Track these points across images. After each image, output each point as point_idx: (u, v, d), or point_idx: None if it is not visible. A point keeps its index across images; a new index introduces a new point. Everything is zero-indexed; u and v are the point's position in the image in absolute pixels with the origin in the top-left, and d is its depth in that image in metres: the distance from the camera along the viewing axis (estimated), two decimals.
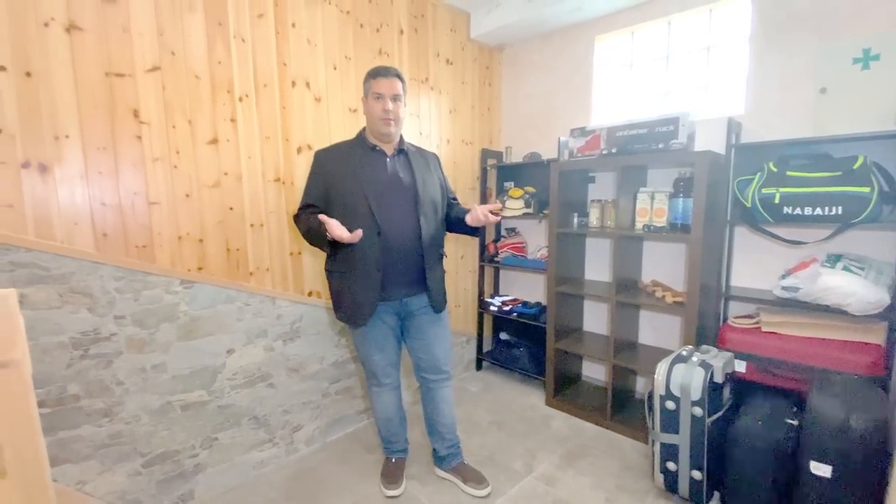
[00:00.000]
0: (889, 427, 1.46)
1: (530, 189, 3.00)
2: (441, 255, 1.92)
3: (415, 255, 1.80)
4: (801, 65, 2.08)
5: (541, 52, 3.08)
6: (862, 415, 1.46)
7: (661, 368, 1.86)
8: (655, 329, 2.66)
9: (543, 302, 3.03)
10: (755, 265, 2.26)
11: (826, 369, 1.77)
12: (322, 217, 1.61)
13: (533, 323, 2.90)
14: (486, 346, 3.40)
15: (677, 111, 2.16)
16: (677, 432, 1.81)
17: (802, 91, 2.08)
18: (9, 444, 0.67)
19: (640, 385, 2.75)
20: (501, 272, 3.44)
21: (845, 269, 1.80)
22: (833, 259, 1.90)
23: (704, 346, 1.96)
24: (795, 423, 1.69)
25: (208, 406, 1.94)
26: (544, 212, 2.84)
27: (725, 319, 2.26)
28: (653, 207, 2.33)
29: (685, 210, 2.22)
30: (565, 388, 2.84)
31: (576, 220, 2.67)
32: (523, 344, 3.15)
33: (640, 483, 2.01)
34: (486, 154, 3.18)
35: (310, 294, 2.28)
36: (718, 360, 1.81)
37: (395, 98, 1.72)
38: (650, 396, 1.90)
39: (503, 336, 3.34)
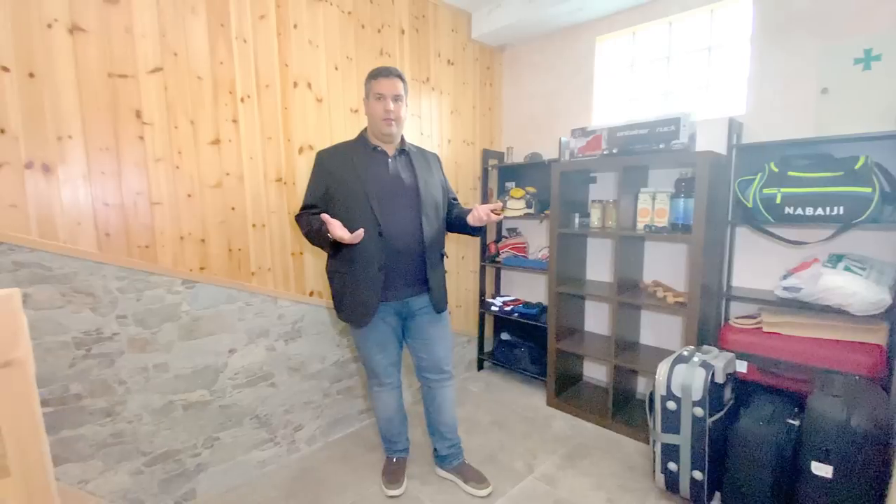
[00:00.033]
0: (890, 427, 1.46)
1: (531, 189, 3.00)
2: (442, 256, 1.92)
3: (416, 256, 1.80)
4: (802, 65, 2.08)
5: (542, 53, 3.08)
6: (863, 415, 1.45)
7: (663, 369, 1.86)
8: (656, 329, 2.66)
9: (544, 302, 3.03)
10: (756, 265, 2.26)
11: (827, 370, 1.76)
12: (324, 217, 1.62)
13: (534, 323, 2.90)
14: (488, 347, 3.40)
15: (678, 111, 2.16)
16: (678, 432, 1.80)
17: (804, 91, 2.08)
18: (12, 444, 0.67)
19: (642, 385, 2.75)
20: (503, 272, 3.44)
21: (847, 269, 1.80)
22: (834, 259, 1.90)
23: (706, 347, 1.96)
24: (796, 423, 1.68)
25: (210, 405, 1.94)
26: (545, 212, 2.84)
27: (727, 320, 2.26)
28: (654, 208, 2.32)
29: (686, 210, 2.21)
30: (566, 389, 2.84)
31: (577, 220, 2.67)
32: (524, 344, 3.14)
33: (641, 483, 2.01)
34: (487, 154, 3.19)
35: (311, 294, 2.28)
36: (719, 361, 1.81)
37: (397, 98, 1.73)
38: (651, 397, 1.90)
39: (504, 336, 3.34)
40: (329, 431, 2.40)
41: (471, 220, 1.78)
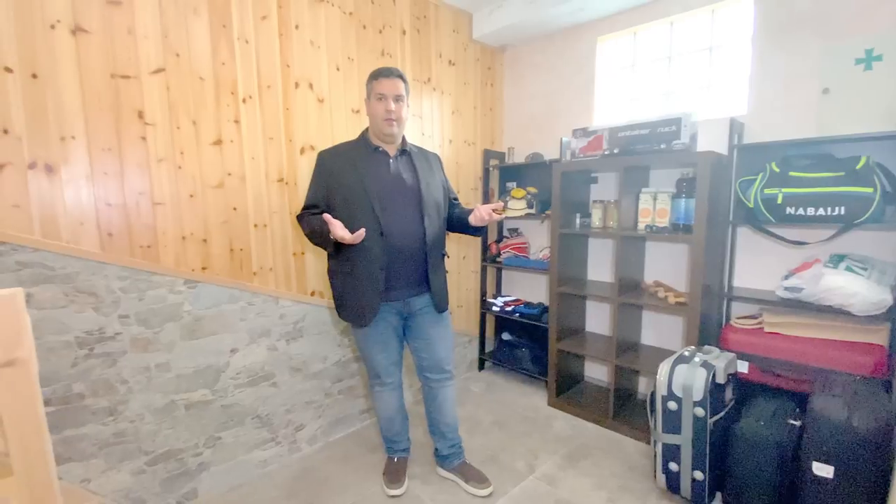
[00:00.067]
0: (892, 428, 1.46)
1: (532, 189, 3.00)
2: (443, 256, 1.92)
3: (418, 256, 1.80)
4: (803, 65, 2.08)
5: (543, 53, 3.09)
6: (864, 415, 1.45)
7: (664, 369, 1.86)
8: (658, 329, 2.66)
9: (546, 302, 3.03)
10: (758, 265, 2.26)
11: (828, 370, 1.76)
12: (326, 217, 1.62)
13: (535, 323, 2.90)
14: (489, 347, 3.40)
15: (679, 111, 2.16)
16: (679, 433, 1.80)
17: (805, 91, 2.08)
18: (15, 442, 0.68)
19: (643, 385, 2.75)
20: (504, 272, 3.45)
21: (848, 269, 1.80)
22: (836, 259, 1.89)
23: (707, 347, 1.96)
24: (798, 423, 1.68)
25: (212, 405, 1.95)
26: (546, 212, 2.84)
27: (728, 320, 2.26)
28: (655, 208, 2.33)
29: (687, 210, 2.21)
30: (567, 389, 2.84)
31: (578, 220, 2.67)
32: (525, 344, 3.14)
33: (642, 483, 2.01)
34: (488, 154, 3.19)
35: (312, 294, 2.29)
36: (721, 361, 1.81)
37: (398, 98, 1.73)
38: (652, 397, 1.90)
39: (505, 336, 3.34)
40: (330, 431, 2.41)
41: (472, 220, 1.78)
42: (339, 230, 1.59)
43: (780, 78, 2.14)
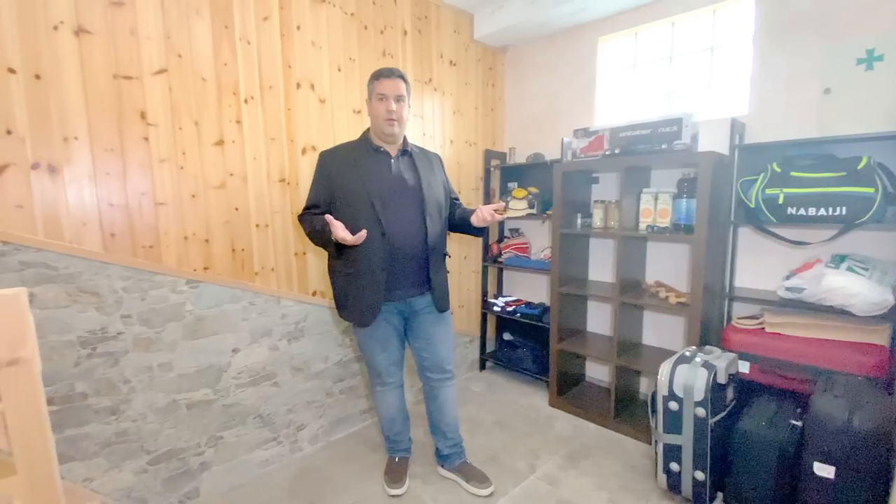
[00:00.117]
0: (893, 428, 1.45)
1: (534, 190, 3.00)
2: (445, 256, 1.93)
3: (419, 256, 1.81)
4: (804, 65, 2.08)
5: (544, 53, 3.09)
6: (866, 416, 1.45)
7: (665, 369, 1.86)
8: (659, 330, 2.66)
9: (547, 302, 3.03)
10: (759, 266, 2.26)
11: (830, 370, 1.76)
12: (327, 218, 1.63)
13: (536, 323, 2.90)
14: (490, 347, 3.40)
15: (681, 112, 2.16)
16: (680, 433, 1.80)
17: (806, 91, 2.08)
18: (18, 441, 0.68)
19: (644, 386, 2.75)
20: (505, 273, 3.45)
21: (849, 269, 1.79)
22: (837, 259, 1.89)
23: (708, 347, 1.96)
24: (799, 424, 1.68)
25: (214, 405, 1.96)
26: (548, 212, 2.84)
27: (729, 320, 2.26)
28: (656, 208, 2.33)
29: (689, 211, 2.21)
30: (568, 389, 2.84)
31: (579, 220, 2.67)
32: (527, 344, 3.15)
33: (643, 483, 2.01)
34: (489, 155, 3.19)
35: (314, 294, 2.29)
36: (722, 361, 1.81)
37: (399, 99, 1.74)
38: (653, 397, 1.90)
39: (506, 336, 3.35)
40: (331, 431, 2.41)
41: (474, 220, 1.79)
42: (340, 231, 1.60)
43: (782, 78, 2.14)
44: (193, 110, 1.82)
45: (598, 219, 2.64)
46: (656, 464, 1.90)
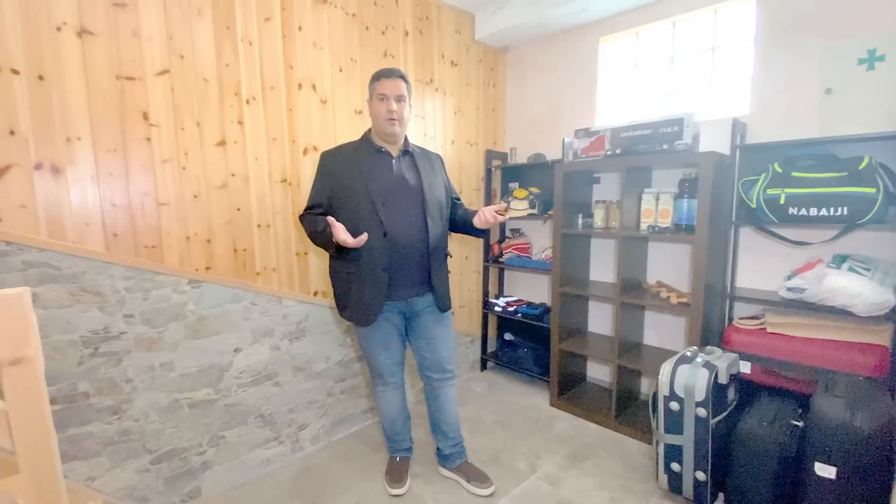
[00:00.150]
0: (894, 428, 1.45)
1: (535, 190, 3.00)
2: (446, 255, 1.93)
3: (421, 256, 1.81)
4: (806, 65, 2.07)
5: (545, 54, 3.09)
6: (867, 416, 1.45)
7: (666, 369, 1.86)
8: (660, 330, 2.66)
9: (548, 303, 3.03)
10: (760, 266, 2.26)
11: (831, 370, 1.76)
12: (329, 220, 1.63)
13: (537, 324, 2.90)
14: (491, 347, 3.40)
15: (682, 112, 2.16)
16: (681, 433, 1.80)
17: (807, 92, 2.08)
18: (21, 441, 0.68)
19: (645, 386, 2.74)
20: (506, 273, 3.45)
21: (851, 269, 1.79)
22: (839, 260, 1.89)
23: (709, 347, 1.96)
24: (800, 424, 1.68)
25: (215, 404, 1.96)
26: (549, 212, 2.85)
27: (730, 320, 2.25)
28: (657, 208, 2.33)
29: (690, 211, 2.21)
30: (570, 389, 2.84)
31: (580, 220, 2.67)
32: (528, 345, 3.15)
33: (644, 484, 2.01)
34: (490, 155, 3.19)
35: (315, 294, 2.30)
36: (723, 361, 1.81)
37: (399, 98, 1.74)
38: (654, 397, 1.90)
39: (507, 337, 3.35)
40: (333, 430, 2.42)
41: (477, 222, 1.79)
42: (341, 234, 1.60)
43: (783, 78, 2.14)
44: (195, 111, 1.83)
45: (599, 219, 2.64)
46: (657, 464, 1.90)
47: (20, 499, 0.78)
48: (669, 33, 2.60)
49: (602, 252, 2.87)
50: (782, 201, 1.90)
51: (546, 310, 2.92)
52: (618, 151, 2.38)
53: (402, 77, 1.75)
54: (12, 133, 1.45)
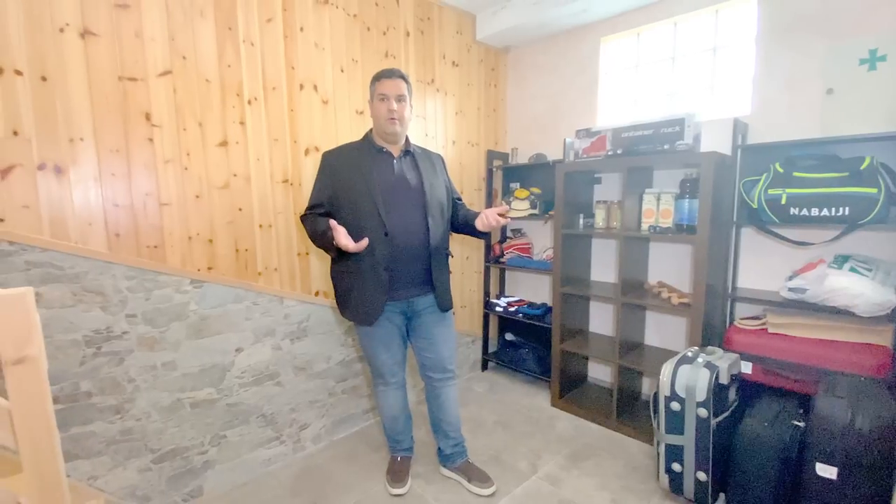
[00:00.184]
0: (895, 429, 1.45)
1: (536, 190, 3.00)
2: (447, 255, 1.93)
3: (422, 256, 1.81)
4: (807, 65, 2.07)
5: (546, 54, 3.09)
6: (868, 417, 1.45)
7: (667, 369, 1.86)
8: (661, 330, 2.65)
9: (549, 303, 3.03)
10: (762, 266, 2.25)
11: (832, 371, 1.76)
12: (331, 223, 1.64)
13: (538, 324, 2.90)
14: (492, 347, 3.40)
15: (683, 112, 2.16)
16: (682, 433, 1.80)
17: (809, 92, 2.07)
18: (25, 440, 0.69)
19: (646, 386, 2.74)
20: (507, 273, 3.45)
21: (852, 270, 1.79)
22: (840, 260, 1.88)
23: (710, 348, 1.95)
24: (801, 424, 1.68)
25: (217, 404, 1.97)
26: (550, 213, 2.85)
27: (732, 321, 2.25)
28: (659, 208, 2.32)
29: (691, 211, 2.21)
30: (571, 389, 2.84)
31: (581, 220, 2.67)
32: (529, 345, 3.15)
33: (645, 484, 2.01)
34: (491, 155, 3.19)
35: (317, 294, 2.30)
36: (724, 362, 1.81)
37: (400, 98, 1.74)
38: (655, 397, 1.90)
39: (509, 337, 3.35)
40: (334, 430, 2.42)
41: (479, 224, 1.79)
42: (343, 238, 1.60)
43: (784, 78, 2.14)
44: (197, 111, 1.83)
45: (600, 219, 2.64)
46: (658, 464, 1.90)
47: (23, 497, 0.78)
48: (671, 33, 2.60)
49: (603, 252, 2.87)
50: (784, 201, 1.90)
51: (547, 310, 2.92)
52: (619, 152, 2.38)
53: (403, 77, 1.75)
54: (16, 133, 1.46)
